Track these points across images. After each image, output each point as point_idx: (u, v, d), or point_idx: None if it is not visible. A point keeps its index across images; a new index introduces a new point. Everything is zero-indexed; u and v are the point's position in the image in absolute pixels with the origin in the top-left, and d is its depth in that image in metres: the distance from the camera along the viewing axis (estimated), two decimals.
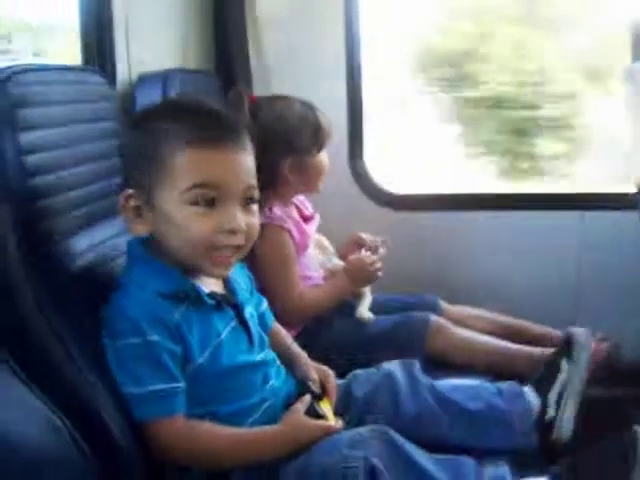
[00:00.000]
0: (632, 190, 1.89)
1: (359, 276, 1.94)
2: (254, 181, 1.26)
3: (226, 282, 1.38)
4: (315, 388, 1.40)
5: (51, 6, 2.04)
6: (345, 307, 1.94)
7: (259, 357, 1.36)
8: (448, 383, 1.55)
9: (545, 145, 3.18)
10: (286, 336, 1.58)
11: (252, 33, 2.43)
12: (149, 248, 1.28)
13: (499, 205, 2.50)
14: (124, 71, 1.88)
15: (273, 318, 1.54)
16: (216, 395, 1.27)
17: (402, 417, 1.44)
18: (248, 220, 1.24)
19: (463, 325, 1.93)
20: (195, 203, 1.20)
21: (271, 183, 1.79)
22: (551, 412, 1.48)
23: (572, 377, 1.53)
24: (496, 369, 1.80)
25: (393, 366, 1.56)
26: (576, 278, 2.42)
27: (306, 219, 2.00)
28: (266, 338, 1.43)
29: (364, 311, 1.93)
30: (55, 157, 1.28)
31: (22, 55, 2.21)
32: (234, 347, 1.31)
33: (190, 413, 1.23)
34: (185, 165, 1.19)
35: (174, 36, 2.19)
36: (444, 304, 2.09)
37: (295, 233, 1.89)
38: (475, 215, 2.49)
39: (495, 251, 2.47)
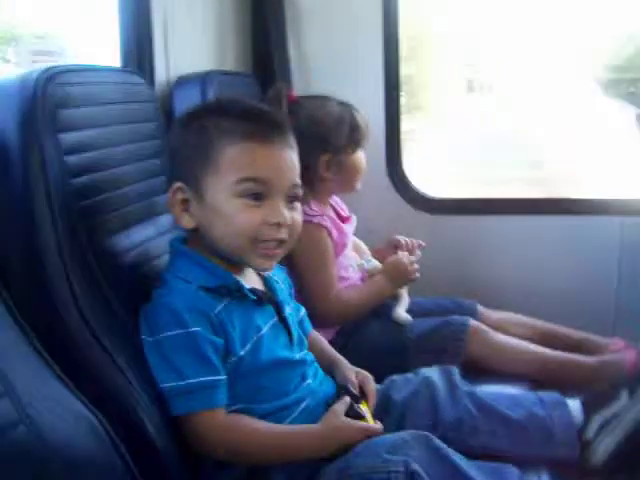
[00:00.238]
0: None
1: (397, 276, 1.93)
2: (299, 180, 1.30)
3: (266, 280, 1.40)
4: (354, 390, 1.39)
5: None
6: (382, 309, 1.93)
7: (298, 356, 1.37)
8: (488, 390, 1.53)
9: None
10: (324, 342, 1.58)
11: (291, 34, 2.43)
12: (192, 244, 1.31)
13: (537, 210, 2.47)
14: (162, 73, 1.89)
15: (311, 325, 1.54)
16: (255, 392, 1.28)
17: (441, 423, 1.42)
18: (292, 216, 1.28)
19: (502, 330, 1.91)
20: (243, 196, 1.24)
21: (308, 181, 1.78)
22: (589, 434, 1.44)
23: (626, 412, 1.45)
24: (535, 376, 1.79)
25: (431, 372, 1.54)
26: (616, 286, 2.38)
27: (343, 220, 2.00)
28: (305, 340, 1.45)
29: (402, 312, 1.92)
30: (96, 158, 1.29)
31: None
32: (274, 343, 1.32)
33: (227, 409, 1.23)
34: (235, 159, 1.24)
35: (212, 38, 2.19)
36: (482, 309, 2.07)
37: (334, 232, 1.89)
38: (512, 219, 2.47)
39: (533, 256, 2.44)
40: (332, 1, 2.46)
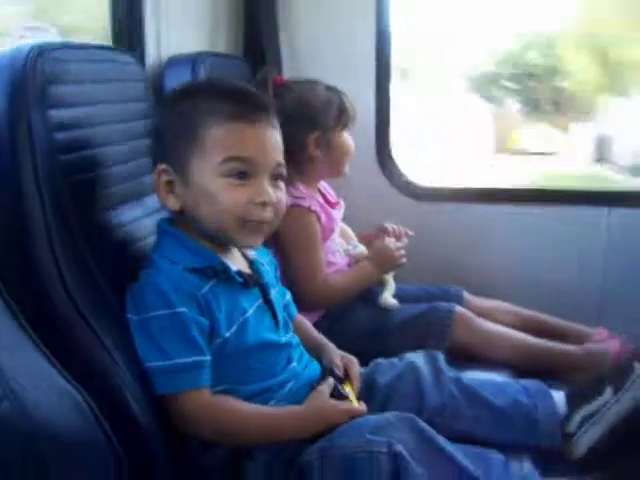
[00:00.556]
0: None
1: (384, 262, 1.94)
2: (282, 158, 1.31)
3: (252, 263, 1.40)
4: (338, 372, 1.40)
5: None
6: (368, 295, 1.94)
7: (284, 339, 1.38)
8: (473, 377, 1.54)
9: None
10: (310, 326, 1.59)
11: (283, 19, 2.42)
12: (178, 226, 1.31)
13: (524, 199, 2.48)
14: (153, 53, 1.88)
15: (296, 310, 1.54)
16: (240, 373, 1.28)
17: (426, 407, 1.43)
18: (277, 195, 1.29)
19: (487, 318, 1.92)
20: (228, 175, 1.24)
21: (297, 162, 1.79)
22: (571, 427, 1.45)
23: (609, 408, 1.47)
24: (519, 364, 1.80)
25: (416, 357, 1.55)
26: (602, 276, 2.39)
27: (332, 205, 2.00)
28: (290, 323, 1.45)
29: (389, 297, 1.92)
30: (85, 135, 1.28)
31: None
32: (259, 325, 1.33)
33: (212, 390, 1.24)
34: (220, 138, 1.24)
35: (204, 19, 2.18)
36: (469, 296, 2.08)
37: (322, 216, 1.89)
38: (500, 208, 2.47)
39: (519, 245, 2.46)
40: None
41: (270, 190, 1.27)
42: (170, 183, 1.28)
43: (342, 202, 2.04)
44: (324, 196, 2.01)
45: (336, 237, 2.00)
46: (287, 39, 2.44)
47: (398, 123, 2.54)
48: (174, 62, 1.89)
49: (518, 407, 1.44)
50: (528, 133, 8.54)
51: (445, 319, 1.83)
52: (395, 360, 1.56)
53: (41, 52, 1.20)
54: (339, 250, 1.99)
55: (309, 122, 1.88)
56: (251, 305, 1.32)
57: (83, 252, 1.21)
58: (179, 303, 1.21)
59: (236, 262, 1.36)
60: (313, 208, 1.86)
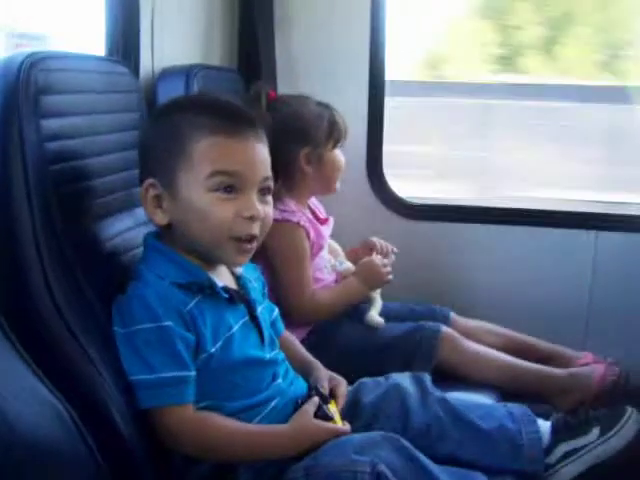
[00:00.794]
0: None
1: (371, 278, 1.94)
2: (270, 172, 1.31)
3: (239, 279, 1.40)
4: (323, 391, 1.39)
5: None
6: (355, 312, 1.93)
7: (269, 356, 1.37)
8: (459, 398, 1.53)
9: None
10: (299, 345, 1.58)
11: (278, 33, 2.42)
12: (165, 240, 1.31)
13: (513, 220, 2.48)
14: (147, 64, 1.88)
15: (284, 327, 1.54)
16: (224, 390, 1.27)
17: (411, 428, 1.42)
18: (264, 210, 1.28)
19: (473, 338, 1.92)
20: (215, 190, 1.24)
21: (288, 176, 1.79)
22: (552, 459, 1.45)
23: (593, 448, 1.47)
24: (504, 385, 1.81)
25: (402, 377, 1.54)
26: (588, 299, 2.40)
27: (321, 222, 2.00)
28: (276, 340, 1.45)
29: (375, 315, 1.92)
30: (76, 145, 1.28)
31: None
32: (245, 342, 1.32)
33: (197, 405, 1.23)
34: (207, 152, 1.24)
35: (199, 32, 2.19)
36: (455, 316, 2.07)
37: (311, 232, 1.89)
38: (489, 228, 2.48)
39: (506, 266, 2.46)
40: (320, 2, 2.46)
41: (258, 204, 1.26)
42: (158, 197, 1.27)
43: (331, 219, 2.04)
44: (313, 212, 2.01)
45: (324, 254, 1.99)
46: (281, 53, 2.44)
47: None
48: (167, 74, 1.89)
49: (503, 431, 1.43)
50: None
51: (431, 339, 1.83)
52: (381, 379, 1.54)
53: (34, 62, 1.19)
54: (327, 266, 1.98)
55: (301, 137, 1.88)
56: (237, 321, 1.32)
57: (71, 262, 1.20)
58: (165, 317, 1.20)
59: (223, 278, 1.35)
60: (302, 223, 1.86)
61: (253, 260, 1.40)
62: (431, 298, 2.17)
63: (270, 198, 1.32)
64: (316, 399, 1.34)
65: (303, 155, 1.88)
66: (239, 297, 1.35)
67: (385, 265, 1.95)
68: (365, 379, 1.56)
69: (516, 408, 1.51)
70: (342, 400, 1.43)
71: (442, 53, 3.88)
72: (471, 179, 3.72)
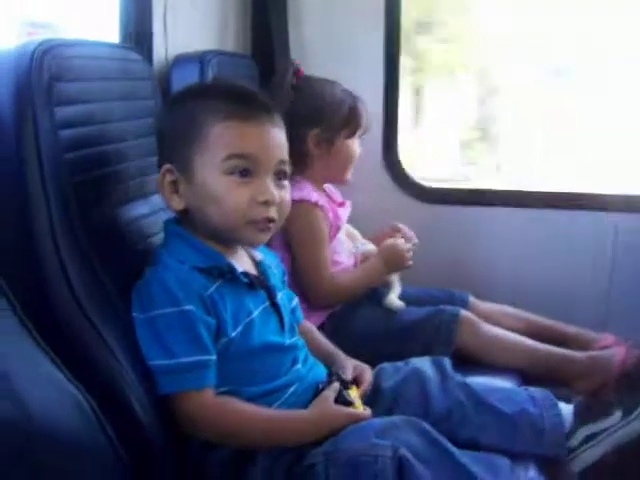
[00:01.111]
0: None
1: (393, 260, 1.93)
2: (286, 156, 1.31)
3: (259, 265, 1.40)
4: (344, 376, 1.39)
5: None
6: (374, 296, 1.93)
7: (289, 342, 1.37)
8: (480, 383, 1.52)
9: None
10: (319, 335, 1.58)
11: (291, 18, 2.40)
12: (185, 225, 1.31)
13: (533, 203, 2.46)
14: (161, 51, 1.87)
15: (302, 316, 1.54)
16: (244, 374, 1.27)
17: (432, 413, 1.41)
18: (280, 195, 1.28)
19: (492, 322, 1.91)
20: (230, 173, 1.24)
21: (298, 156, 1.77)
22: (574, 443, 1.44)
23: (616, 430, 1.45)
24: (524, 369, 1.80)
25: (422, 362, 1.53)
26: (608, 281, 2.38)
27: (338, 204, 1.99)
28: (296, 326, 1.44)
29: (394, 299, 1.91)
30: (90, 133, 1.28)
31: None
32: (265, 328, 1.32)
33: (216, 390, 1.23)
34: (222, 136, 1.25)
35: (212, 18, 2.18)
36: (474, 300, 2.06)
37: (329, 213, 1.88)
38: (507, 212, 2.45)
39: (526, 249, 2.44)
40: None
41: (273, 189, 1.26)
42: (174, 183, 1.28)
43: (348, 202, 2.03)
44: (329, 196, 2.00)
45: (342, 236, 1.99)
46: (296, 39, 2.42)
47: None
48: (181, 60, 1.88)
49: (525, 415, 1.42)
50: None
51: (450, 323, 1.82)
52: (400, 364, 1.54)
53: (47, 49, 1.19)
54: (345, 250, 1.98)
55: (313, 117, 1.87)
56: (257, 307, 1.32)
57: (88, 250, 1.20)
58: (186, 301, 1.21)
59: (243, 263, 1.35)
60: (321, 203, 1.85)
61: (271, 243, 1.40)
62: (449, 282, 2.16)
63: (287, 182, 1.32)
64: (336, 384, 1.34)
65: (312, 136, 1.87)
66: (259, 283, 1.35)
67: (408, 250, 1.95)
68: (385, 364, 1.55)
69: (537, 392, 1.49)
70: (367, 385, 1.43)
71: None
72: None
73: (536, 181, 3.32)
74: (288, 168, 1.31)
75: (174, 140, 1.29)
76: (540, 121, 3.36)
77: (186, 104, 1.30)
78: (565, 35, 3.05)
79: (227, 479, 1.24)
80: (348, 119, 1.90)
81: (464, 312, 1.87)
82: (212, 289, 1.25)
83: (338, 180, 1.99)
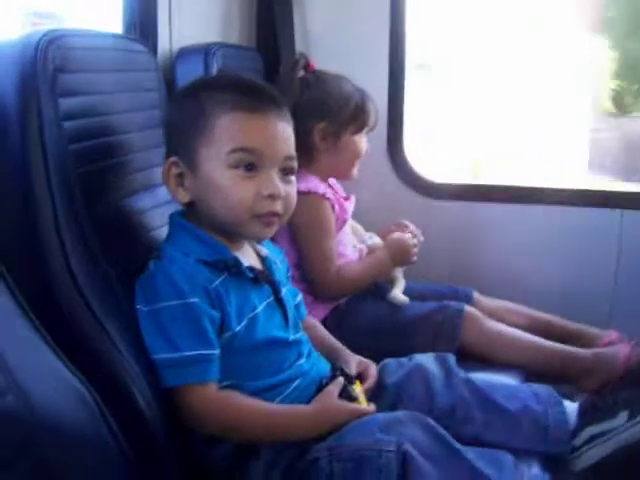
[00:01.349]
0: None
1: (399, 253, 1.92)
2: (293, 152, 1.30)
3: (264, 260, 1.39)
4: (348, 371, 1.38)
5: None
6: (378, 291, 1.92)
7: (293, 337, 1.36)
8: (484, 379, 1.52)
9: None
10: (324, 331, 1.58)
11: (296, 12, 2.40)
12: (190, 218, 1.31)
13: (537, 199, 2.45)
14: (165, 42, 1.87)
15: (306, 312, 1.54)
16: (247, 369, 1.27)
17: (435, 409, 1.41)
18: (286, 189, 1.27)
19: (496, 318, 1.90)
20: (236, 167, 1.23)
21: (304, 150, 1.76)
22: (578, 442, 1.43)
23: (621, 431, 1.43)
24: (528, 365, 1.79)
25: (426, 358, 1.53)
26: (613, 279, 2.37)
27: (344, 199, 1.98)
28: (300, 322, 1.44)
29: (399, 293, 1.91)
30: (94, 124, 1.28)
31: None
32: (269, 323, 1.31)
33: (219, 385, 1.23)
34: (228, 129, 1.24)
35: (217, 10, 2.17)
36: (478, 296, 2.06)
37: (335, 205, 1.88)
38: (512, 207, 2.44)
39: (531, 245, 2.43)
40: None
41: (279, 183, 1.25)
42: (180, 176, 1.27)
43: (353, 197, 2.02)
44: (334, 190, 1.99)
45: (347, 229, 1.98)
46: (300, 32, 2.41)
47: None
48: (186, 52, 1.88)
49: (529, 413, 1.42)
50: None
51: (455, 319, 1.81)
52: (404, 360, 1.54)
53: (52, 40, 1.18)
54: (349, 243, 1.97)
55: (321, 111, 1.86)
56: (261, 302, 1.31)
57: (92, 243, 1.20)
58: (191, 293, 1.20)
59: (248, 258, 1.35)
60: (328, 195, 1.85)
61: (276, 236, 1.39)
62: (453, 277, 2.16)
63: (293, 178, 1.31)
64: (340, 379, 1.33)
65: (318, 129, 1.86)
66: (264, 277, 1.35)
67: (414, 245, 1.94)
68: (388, 360, 1.55)
69: (542, 389, 1.49)
70: (372, 381, 1.43)
71: None
72: None
73: None
74: (295, 164, 1.30)
75: (180, 132, 1.28)
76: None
77: (193, 96, 1.29)
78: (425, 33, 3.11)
79: (230, 473, 1.25)
80: (355, 115, 1.88)
81: (468, 308, 1.86)
82: (217, 282, 1.24)
83: (343, 175, 1.98)
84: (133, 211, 1.34)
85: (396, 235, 1.94)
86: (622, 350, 1.84)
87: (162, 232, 1.34)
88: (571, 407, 1.47)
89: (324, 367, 1.41)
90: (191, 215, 1.31)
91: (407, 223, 2.03)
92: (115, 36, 1.58)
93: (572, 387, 1.77)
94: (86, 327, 1.14)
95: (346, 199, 1.98)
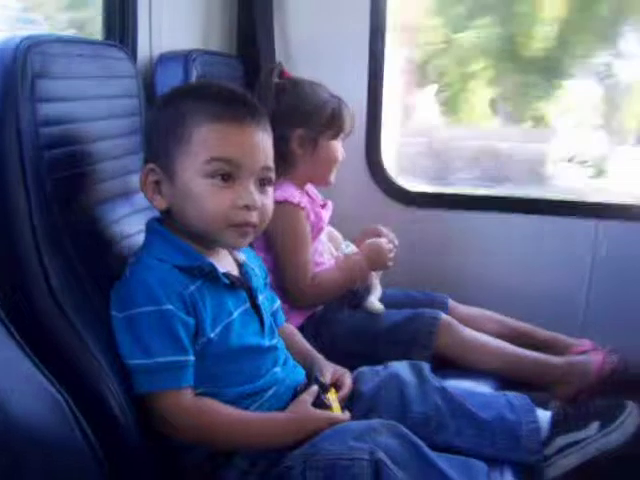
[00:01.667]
0: None
1: (376, 257, 1.92)
2: (271, 163, 1.30)
3: (241, 266, 1.39)
4: (323, 379, 1.39)
5: None
6: (354, 298, 1.93)
7: (268, 343, 1.36)
8: (458, 387, 1.53)
9: None
10: (301, 338, 1.58)
11: (277, 19, 2.40)
12: (167, 225, 1.31)
13: (513, 208, 2.47)
14: (145, 49, 1.86)
15: (283, 319, 1.54)
16: (222, 376, 1.27)
17: (409, 417, 1.42)
18: (263, 201, 1.27)
19: (471, 326, 1.91)
20: (212, 176, 1.23)
21: (281, 157, 1.75)
22: (549, 451, 1.45)
23: (592, 442, 1.47)
24: (503, 373, 1.80)
25: (401, 366, 1.54)
26: (587, 288, 2.39)
27: (320, 206, 1.98)
28: (276, 329, 1.44)
29: (375, 301, 1.91)
30: (72, 131, 1.27)
31: None
32: (244, 329, 1.32)
33: (194, 391, 1.23)
34: (205, 139, 1.24)
35: (197, 17, 2.17)
36: (453, 303, 2.07)
37: (311, 215, 1.88)
38: (488, 216, 2.46)
39: (507, 254, 2.45)
40: None
41: (255, 194, 1.25)
42: (158, 183, 1.27)
43: (330, 203, 2.03)
44: (311, 197, 2.00)
45: (324, 238, 1.99)
46: (280, 39, 2.42)
47: None
48: (166, 59, 1.88)
49: (502, 422, 1.43)
50: None
51: (430, 326, 1.82)
52: (379, 368, 1.54)
53: (30, 46, 1.18)
54: (326, 251, 1.97)
55: (298, 118, 1.86)
56: (237, 308, 1.31)
57: (68, 249, 1.20)
58: (166, 300, 1.20)
59: (225, 264, 1.35)
60: (303, 205, 1.85)
61: (252, 244, 1.40)
62: (430, 285, 2.16)
63: (270, 189, 1.31)
64: (314, 387, 1.34)
65: (296, 136, 1.86)
66: (240, 284, 1.35)
67: (390, 250, 1.94)
68: (363, 368, 1.56)
69: (515, 398, 1.51)
70: (347, 390, 1.44)
71: None
72: None
73: None
74: (273, 175, 1.30)
75: (158, 139, 1.28)
76: None
77: (173, 104, 1.29)
78: None
79: (204, 479, 1.24)
80: (332, 120, 1.89)
81: (444, 315, 1.87)
82: (192, 288, 1.24)
83: (321, 181, 1.98)
84: (110, 217, 1.33)
85: (371, 240, 1.95)
86: (595, 358, 1.87)
87: (139, 238, 1.34)
88: (544, 416, 1.48)
89: (300, 375, 1.41)
90: (168, 221, 1.31)
91: (381, 228, 2.04)
92: (95, 42, 1.58)
93: (546, 395, 1.79)
94: (61, 332, 1.14)
95: (323, 206, 1.99)
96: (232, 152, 1.24)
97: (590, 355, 1.89)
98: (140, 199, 1.39)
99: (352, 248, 2.00)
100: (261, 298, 1.39)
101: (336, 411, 1.33)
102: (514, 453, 1.42)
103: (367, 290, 1.95)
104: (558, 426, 1.47)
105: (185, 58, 1.85)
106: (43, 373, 1.02)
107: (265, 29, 2.35)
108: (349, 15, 2.41)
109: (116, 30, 1.80)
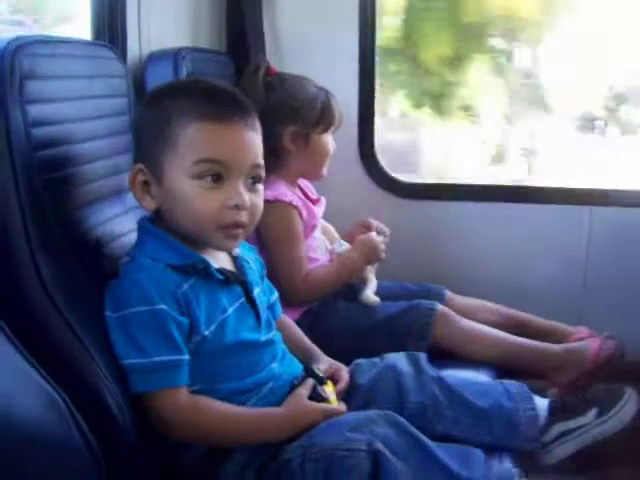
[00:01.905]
0: None
1: (368, 252, 1.92)
2: (261, 161, 1.28)
3: (236, 260, 1.39)
4: (319, 373, 1.39)
5: None
6: (350, 291, 1.93)
7: (265, 338, 1.36)
8: (456, 377, 1.54)
9: None
10: (299, 331, 1.58)
11: (266, 15, 2.41)
12: (159, 224, 1.30)
13: (507, 197, 2.48)
14: (134, 48, 1.86)
15: (281, 311, 1.54)
16: (218, 372, 1.27)
17: (407, 408, 1.42)
18: (253, 200, 1.26)
19: (468, 316, 1.91)
20: (201, 177, 1.22)
21: (273, 154, 1.76)
22: (547, 438, 1.46)
23: (589, 429, 1.48)
24: (500, 362, 1.80)
25: (398, 357, 1.54)
26: (583, 275, 2.40)
27: (313, 202, 1.99)
28: (273, 322, 1.44)
29: (370, 294, 1.91)
30: (63, 131, 1.27)
31: None
32: (240, 325, 1.31)
33: (190, 388, 1.23)
34: (193, 139, 1.22)
35: (186, 15, 2.17)
36: (450, 294, 2.07)
37: (303, 212, 1.88)
38: (483, 206, 2.47)
39: (502, 243, 2.46)
40: None
41: (245, 194, 1.24)
42: (146, 183, 1.26)
43: (323, 199, 2.03)
44: (304, 192, 2.00)
45: (318, 234, 1.99)
46: (270, 35, 2.42)
47: None
48: (155, 57, 1.88)
49: (499, 410, 1.44)
50: None
51: (427, 317, 1.83)
52: (376, 360, 1.55)
53: (19, 47, 1.17)
54: (320, 246, 1.98)
55: (289, 114, 1.87)
56: (232, 303, 1.31)
57: (61, 249, 1.19)
58: (159, 300, 1.20)
59: (219, 259, 1.34)
60: (295, 203, 1.85)
61: (248, 242, 1.39)
62: (425, 277, 2.17)
63: (260, 187, 1.30)
64: (310, 381, 1.34)
65: (288, 132, 1.87)
66: (235, 278, 1.34)
67: (381, 242, 1.94)
68: (360, 360, 1.56)
69: (513, 386, 1.51)
70: (345, 384, 1.44)
71: None
72: None
73: None
74: (262, 172, 1.29)
75: (146, 139, 1.27)
76: None
77: (159, 102, 1.27)
78: None
79: (203, 475, 1.25)
80: (322, 114, 1.90)
81: (440, 306, 1.88)
82: (186, 287, 1.24)
83: (314, 176, 1.99)
84: (102, 217, 1.33)
85: (363, 236, 1.95)
86: (592, 344, 1.87)
87: (132, 237, 1.34)
88: (542, 403, 1.48)
89: (297, 368, 1.41)
90: (159, 220, 1.30)
91: (371, 220, 2.05)
92: (84, 42, 1.57)
93: (544, 382, 1.80)
94: (56, 332, 1.14)
95: (316, 202, 1.99)
96: (220, 152, 1.22)
97: (587, 341, 1.89)
98: (132, 198, 1.37)
99: (345, 247, 2.00)
100: (257, 291, 1.38)
101: (333, 403, 1.33)
102: (512, 441, 1.43)
103: (362, 283, 1.95)
104: (556, 413, 1.48)
105: (175, 56, 1.85)
106: (40, 373, 1.02)
107: (254, 25, 2.35)
108: (338, 10, 2.42)
109: (105, 30, 1.79)
